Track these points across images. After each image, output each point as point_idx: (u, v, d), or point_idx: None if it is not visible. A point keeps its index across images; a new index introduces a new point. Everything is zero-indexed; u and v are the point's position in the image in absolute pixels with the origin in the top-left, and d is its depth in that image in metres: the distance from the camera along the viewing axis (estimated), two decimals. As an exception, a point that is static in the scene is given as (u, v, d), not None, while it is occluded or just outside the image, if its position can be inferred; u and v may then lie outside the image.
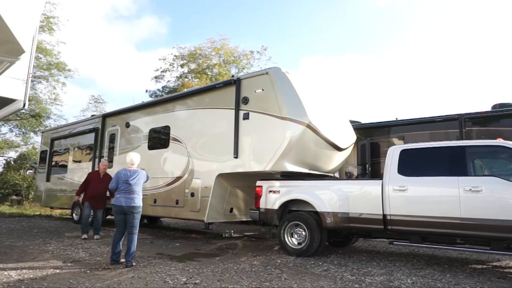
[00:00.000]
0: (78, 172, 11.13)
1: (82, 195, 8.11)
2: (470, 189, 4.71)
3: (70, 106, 51.76)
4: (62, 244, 6.94)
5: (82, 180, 10.69)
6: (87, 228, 7.68)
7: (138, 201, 5.25)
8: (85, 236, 7.54)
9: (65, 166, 11.91)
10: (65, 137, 12.29)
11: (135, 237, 5.19)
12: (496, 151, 5.09)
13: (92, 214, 8.01)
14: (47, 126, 20.14)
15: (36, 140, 22.29)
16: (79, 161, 11.33)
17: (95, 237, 7.65)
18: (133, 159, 5.50)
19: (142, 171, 5.50)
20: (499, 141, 5.00)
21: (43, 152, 13.43)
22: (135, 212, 5.18)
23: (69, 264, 5.17)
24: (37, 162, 15.46)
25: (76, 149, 11.62)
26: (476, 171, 5.16)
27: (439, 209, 4.89)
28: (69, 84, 47.68)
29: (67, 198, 11.35)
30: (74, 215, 10.95)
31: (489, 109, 8.28)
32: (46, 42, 19.76)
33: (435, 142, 5.64)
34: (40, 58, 19.78)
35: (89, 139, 10.87)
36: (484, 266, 5.50)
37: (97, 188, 7.81)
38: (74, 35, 40.54)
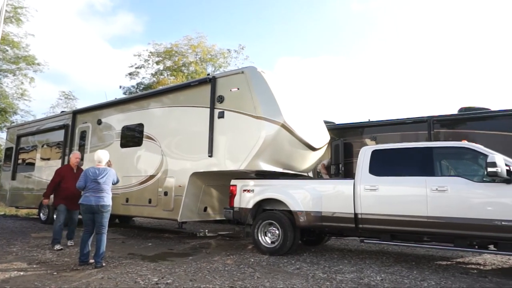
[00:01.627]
0: (46, 170, 10.71)
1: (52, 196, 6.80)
2: (437, 189, 4.89)
3: (40, 101, 49.72)
4: (27, 245, 6.66)
5: (51, 178, 10.38)
6: (60, 237, 6.41)
7: (108, 199, 5.12)
8: (59, 246, 6.24)
9: (32, 164, 11.43)
10: (33, 133, 11.80)
11: (104, 236, 5.06)
12: (461, 152, 5.31)
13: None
14: (13, 122, 19.30)
15: (1, 137, 21.34)
16: (48, 159, 10.91)
17: (69, 243, 6.57)
18: (100, 157, 5.36)
19: (111, 169, 5.36)
20: (464, 143, 5.22)
21: (8, 149, 12.84)
22: (104, 211, 5.05)
23: (34, 266, 4.97)
24: (1, 159, 14.79)
25: (44, 146, 11.19)
26: (443, 171, 5.37)
27: (408, 208, 5.05)
28: (40, 79, 46.03)
29: (34, 197, 10.89)
30: (41, 214, 10.56)
31: (456, 112, 8.64)
32: (13, 34, 18.98)
33: (405, 143, 5.83)
34: (7, 51, 18.97)
35: (58, 136, 10.49)
36: (449, 263, 5.73)
37: (73, 186, 6.52)
38: (46, 29, 39.14)
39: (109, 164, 5.49)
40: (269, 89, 6.30)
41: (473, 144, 5.14)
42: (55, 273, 4.56)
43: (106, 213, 5.09)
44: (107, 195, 5.13)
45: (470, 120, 8.16)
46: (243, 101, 6.41)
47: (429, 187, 4.93)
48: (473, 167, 5.17)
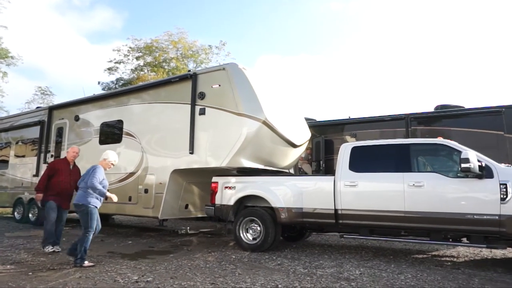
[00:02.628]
0: (21, 168, 10.40)
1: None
2: (414, 184, 5.02)
3: (14, 97, 48.04)
4: (0, 245, 6.45)
5: (26, 176, 10.10)
6: (53, 237, 5.83)
7: (79, 198, 4.93)
8: (51, 248, 5.77)
9: (5, 162, 11.06)
10: (6, 130, 11.41)
11: (84, 237, 4.84)
12: (436, 148, 5.48)
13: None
14: (-15, 118, 18.55)
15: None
16: (23, 156, 10.58)
17: (56, 248, 5.80)
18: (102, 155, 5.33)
19: (93, 167, 5.09)
20: (439, 140, 5.38)
21: (-20, 146, 12.36)
22: (77, 210, 4.92)
23: (8, 266, 4.82)
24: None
25: (19, 143, 10.84)
26: (419, 167, 5.51)
27: (386, 203, 5.17)
28: (15, 74, 44.38)
29: (8, 195, 10.57)
30: (15, 213, 10.22)
31: (432, 109, 8.89)
32: (-16, 27, 18.21)
33: (383, 140, 5.96)
34: (-23, 44, 18.19)
35: (34, 132, 10.18)
36: (425, 256, 5.91)
37: (68, 181, 5.95)
38: (21, 23, 37.72)
39: (101, 162, 5.21)
40: (251, 86, 6.29)
41: (448, 140, 5.31)
42: (30, 273, 4.43)
43: (79, 213, 4.92)
44: (80, 193, 4.98)
45: (446, 118, 8.43)
46: (225, 98, 6.38)
47: (407, 182, 5.06)
48: (448, 163, 5.33)
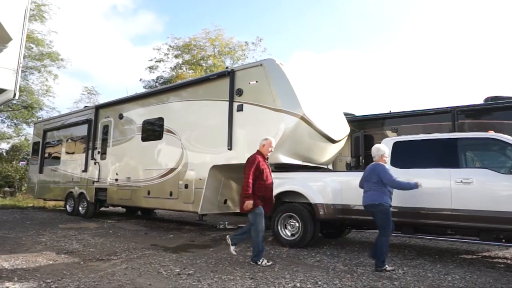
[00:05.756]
0: (71, 164, 11.07)
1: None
2: (461, 181, 4.75)
3: (65, 97, 51.34)
4: (55, 235, 6.92)
5: (76, 171, 10.76)
6: (263, 249, 4.87)
7: (375, 197, 4.59)
8: (267, 262, 4.75)
9: (58, 158, 11.82)
10: (58, 128, 12.18)
11: (381, 240, 4.50)
12: (487, 143, 5.15)
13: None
14: (39, 118, 19.94)
15: (29, 132, 22.14)
16: (72, 153, 11.25)
17: (233, 249, 5.11)
18: (372, 151, 4.89)
19: (376, 164, 4.74)
20: (491, 134, 5.05)
21: (35, 144, 13.31)
22: (374, 210, 4.60)
23: (62, 255, 5.17)
24: (29, 153, 15.35)
25: (69, 140, 11.53)
26: (468, 163, 5.22)
27: (431, 200, 4.94)
28: (65, 75, 47.51)
29: (61, 189, 11.30)
30: (67, 206, 10.92)
31: (481, 102, 8.35)
32: (37, 32, 19.50)
33: (428, 135, 5.68)
34: (32, 48, 19.51)
35: (82, 130, 10.78)
36: (474, 256, 5.59)
37: (271, 181, 5.07)
38: (71, 30, 40.23)
39: (378, 159, 4.80)
40: (288, 81, 6.25)
41: (501, 134, 4.96)
42: (81, 263, 4.73)
43: (376, 213, 4.58)
44: (374, 192, 4.63)
45: (497, 110, 7.88)
46: (262, 94, 6.39)
47: (454, 179, 4.80)
48: (500, 159, 5.01)
